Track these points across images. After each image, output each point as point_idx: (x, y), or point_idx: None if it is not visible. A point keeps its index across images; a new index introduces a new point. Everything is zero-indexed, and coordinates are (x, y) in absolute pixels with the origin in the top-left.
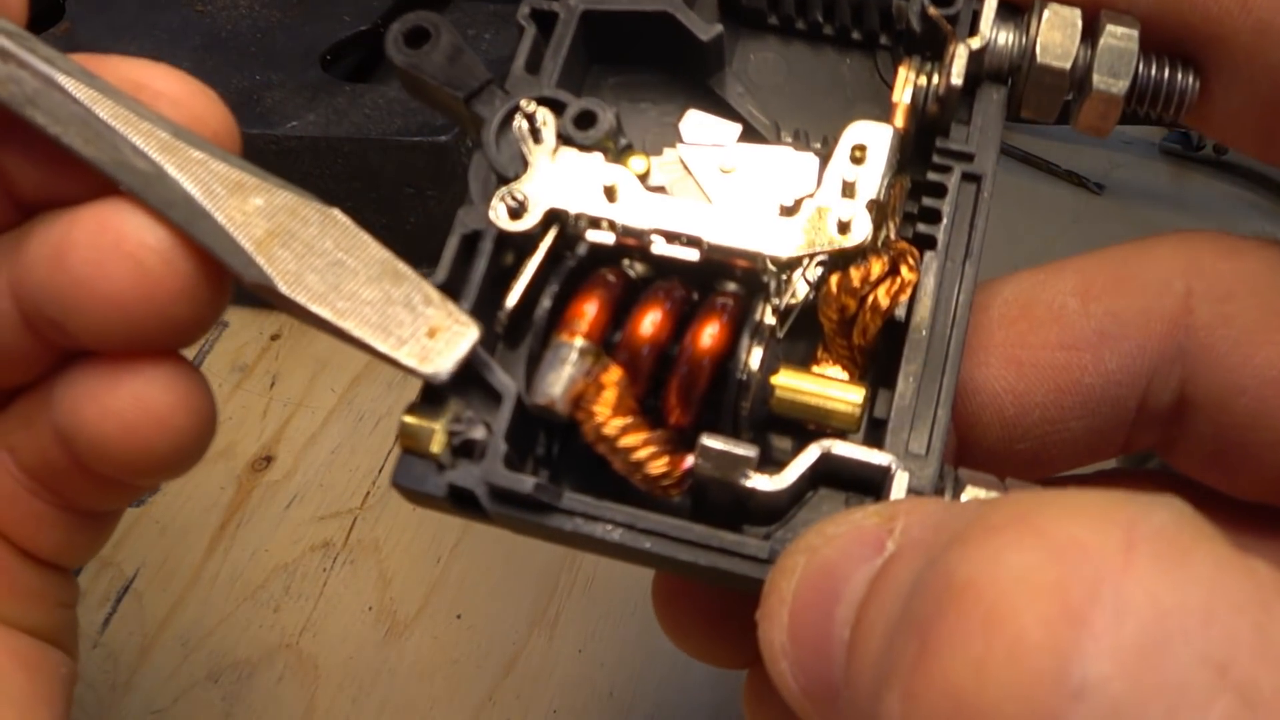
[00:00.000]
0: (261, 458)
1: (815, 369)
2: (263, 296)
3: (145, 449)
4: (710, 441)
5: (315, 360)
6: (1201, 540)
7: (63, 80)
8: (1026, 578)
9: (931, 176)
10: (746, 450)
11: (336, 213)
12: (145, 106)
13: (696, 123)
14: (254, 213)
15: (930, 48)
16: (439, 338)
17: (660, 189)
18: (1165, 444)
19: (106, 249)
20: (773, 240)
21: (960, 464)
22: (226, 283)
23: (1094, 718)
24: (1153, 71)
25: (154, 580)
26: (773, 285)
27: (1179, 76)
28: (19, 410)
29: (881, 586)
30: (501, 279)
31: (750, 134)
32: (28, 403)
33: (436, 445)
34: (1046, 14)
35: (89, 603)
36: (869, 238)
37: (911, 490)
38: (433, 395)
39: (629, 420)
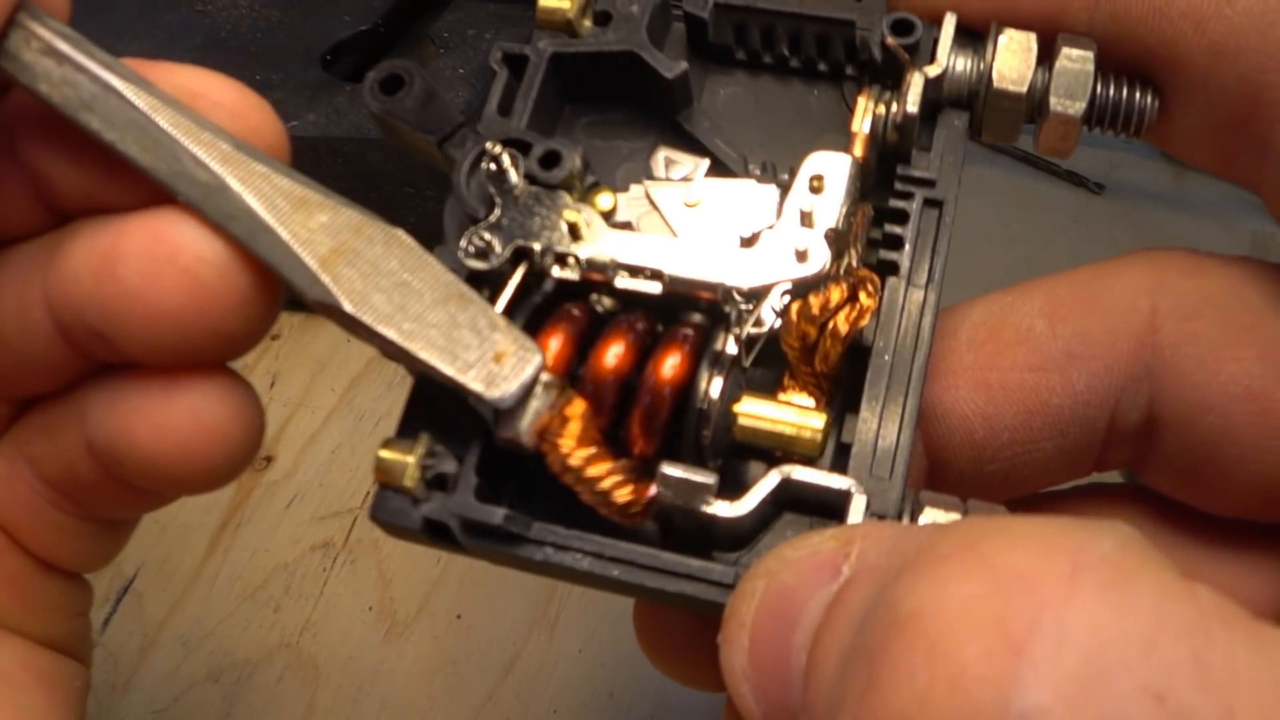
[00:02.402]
0: (261, 458)
1: (781, 396)
2: (324, 315)
3: (199, 465)
4: (670, 469)
5: (315, 360)
6: (1146, 567)
7: (121, 86)
8: (969, 609)
9: (894, 203)
10: (705, 477)
11: (401, 233)
12: (204, 116)
13: (666, 159)
14: (318, 229)
15: (892, 77)
16: (505, 363)
17: (627, 224)
18: (1137, 461)
19: (161, 261)
20: (733, 271)
21: (932, 487)
22: (279, 296)
23: None
24: (1111, 92)
25: (154, 580)
26: (734, 315)
27: (1137, 96)
28: (39, 421)
29: (836, 613)
30: None
31: (719, 168)
32: (50, 413)
33: (410, 479)
34: (1002, 39)
35: None
36: (827, 266)
37: (871, 513)
38: (407, 429)
39: (593, 451)
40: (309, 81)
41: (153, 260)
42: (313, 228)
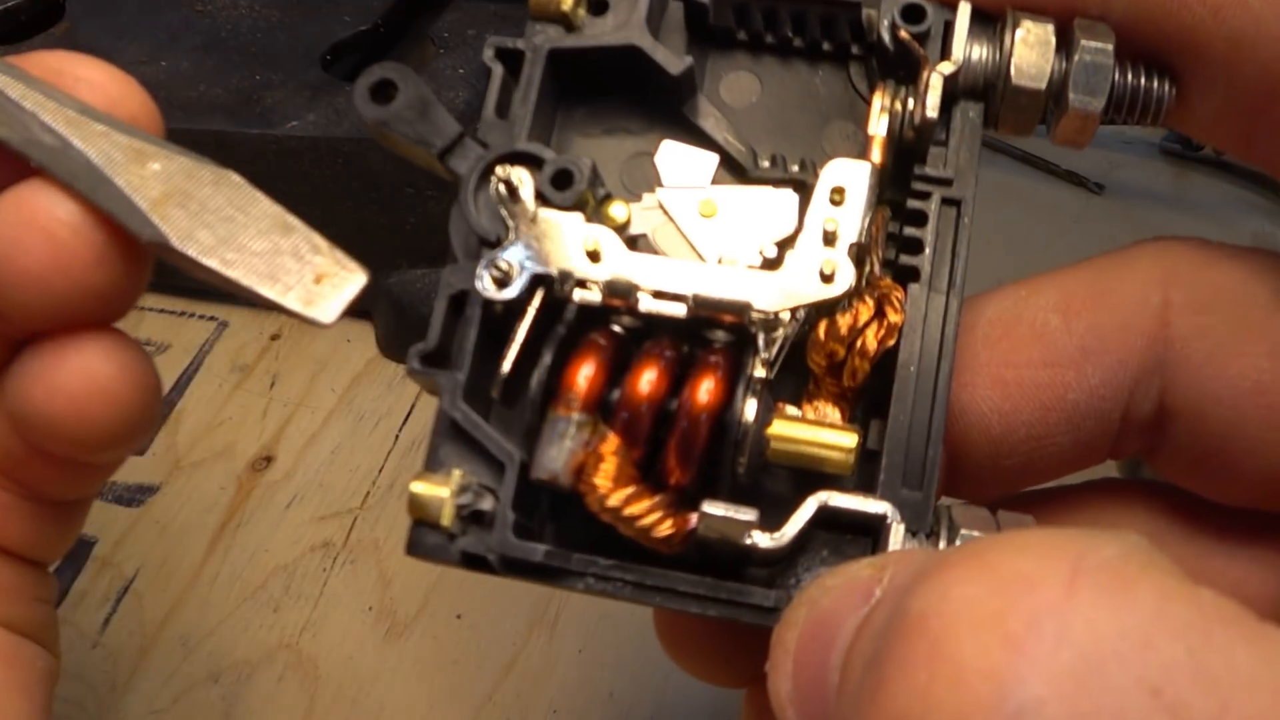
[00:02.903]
0: (261, 458)
1: (807, 407)
2: (161, 255)
3: (93, 423)
4: (711, 509)
5: (315, 360)
6: (1148, 571)
7: None
8: (970, 609)
9: (911, 204)
10: (747, 515)
11: (232, 174)
12: (55, 88)
13: (672, 154)
14: (151, 176)
15: (904, 66)
16: (325, 283)
17: (642, 236)
18: (1148, 450)
19: (21, 225)
20: (757, 292)
21: (950, 480)
22: (141, 254)
23: None
24: (1129, 80)
25: (154, 580)
26: (761, 338)
27: (1155, 84)
28: None
29: (863, 630)
30: (493, 335)
31: (727, 161)
32: None
33: (446, 518)
34: (1020, 31)
35: (89, 603)
36: (853, 285)
37: (907, 531)
38: (435, 461)
39: (631, 490)
40: (309, 81)
41: (14, 225)
42: (146, 176)
